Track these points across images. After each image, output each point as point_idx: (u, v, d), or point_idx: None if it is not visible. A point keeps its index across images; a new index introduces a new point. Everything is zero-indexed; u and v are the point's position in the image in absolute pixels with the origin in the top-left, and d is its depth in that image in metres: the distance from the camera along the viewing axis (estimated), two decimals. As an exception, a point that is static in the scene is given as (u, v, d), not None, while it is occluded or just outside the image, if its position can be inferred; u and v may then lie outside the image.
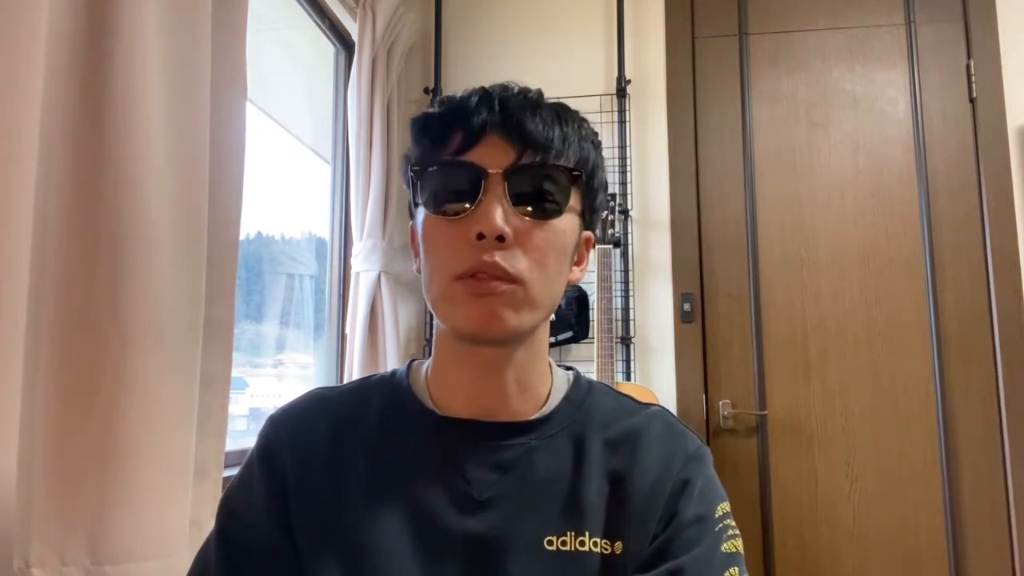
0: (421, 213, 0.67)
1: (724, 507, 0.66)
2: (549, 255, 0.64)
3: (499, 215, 0.61)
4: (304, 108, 2.18)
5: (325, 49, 2.27)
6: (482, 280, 0.61)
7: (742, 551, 0.65)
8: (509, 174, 0.63)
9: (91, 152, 0.89)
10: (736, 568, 0.62)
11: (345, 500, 0.65)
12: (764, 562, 2.18)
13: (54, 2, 0.84)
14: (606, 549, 0.63)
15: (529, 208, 0.63)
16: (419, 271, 0.69)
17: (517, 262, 0.62)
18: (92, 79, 0.89)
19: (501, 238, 0.61)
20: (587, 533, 0.63)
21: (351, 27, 2.14)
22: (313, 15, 2.10)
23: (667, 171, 2.34)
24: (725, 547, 0.63)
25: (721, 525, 0.64)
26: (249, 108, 1.21)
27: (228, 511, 0.67)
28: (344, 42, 2.25)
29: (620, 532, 0.64)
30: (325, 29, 2.17)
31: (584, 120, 0.69)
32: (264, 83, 1.84)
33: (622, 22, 2.39)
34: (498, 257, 0.61)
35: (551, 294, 0.66)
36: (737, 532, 0.65)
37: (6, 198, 0.73)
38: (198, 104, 1.04)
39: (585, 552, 0.63)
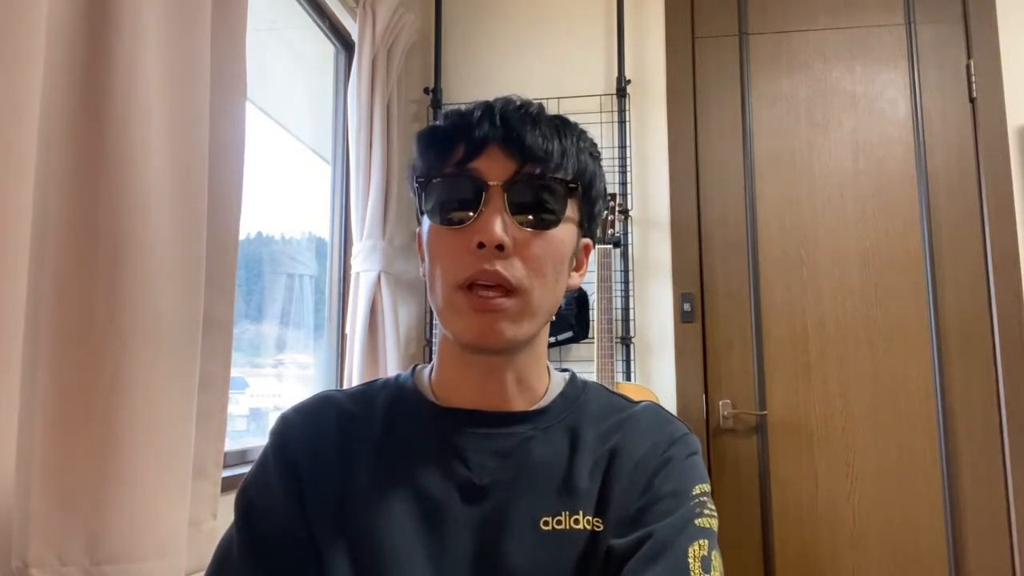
0: (427, 222, 0.70)
1: (703, 487, 0.68)
2: (547, 263, 0.67)
3: (498, 225, 0.64)
4: (304, 108, 2.18)
5: (325, 49, 2.27)
6: (483, 296, 0.65)
7: (716, 531, 0.66)
8: (509, 186, 0.66)
9: (91, 152, 0.89)
10: (706, 541, 0.64)
11: (353, 489, 0.68)
12: (764, 562, 2.18)
13: (54, 2, 0.84)
14: (597, 527, 0.66)
15: (528, 218, 0.66)
16: (425, 276, 0.72)
17: (516, 271, 0.65)
18: (92, 78, 0.89)
19: (500, 247, 0.64)
20: (581, 512, 0.67)
21: (351, 27, 2.14)
22: (313, 15, 2.10)
23: (667, 171, 2.34)
24: (698, 522, 0.65)
25: (697, 502, 0.67)
26: (249, 108, 1.21)
27: (246, 500, 0.70)
28: (344, 42, 2.25)
29: (606, 510, 0.67)
30: (325, 29, 2.17)
31: (583, 132, 0.72)
32: (264, 83, 1.84)
33: (622, 22, 2.39)
34: (498, 266, 0.64)
35: (550, 302, 0.69)
36: (714, 513, 0.67)
37: (6, 198, 0.73)
38: (198, 104, 1.04)
39: (579, 530, 0.66)
